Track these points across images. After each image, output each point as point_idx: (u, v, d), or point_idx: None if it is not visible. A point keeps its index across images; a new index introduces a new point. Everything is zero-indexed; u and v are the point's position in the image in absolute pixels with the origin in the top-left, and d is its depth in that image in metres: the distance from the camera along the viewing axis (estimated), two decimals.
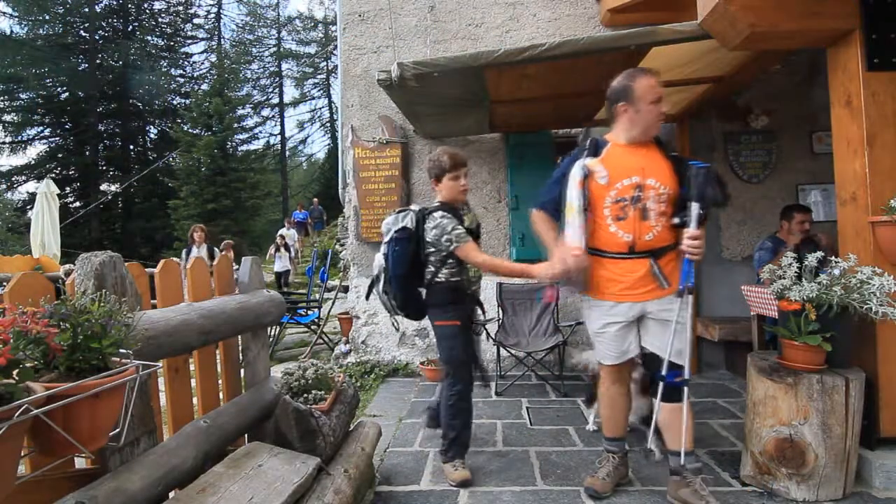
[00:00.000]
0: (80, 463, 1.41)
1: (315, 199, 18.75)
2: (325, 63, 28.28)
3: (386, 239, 2.57)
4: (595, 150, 2.17)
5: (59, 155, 20.98)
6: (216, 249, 6.62)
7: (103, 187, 21.20)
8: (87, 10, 20.86)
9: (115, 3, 22.42)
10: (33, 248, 7.82)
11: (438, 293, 2.51)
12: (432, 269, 2.51)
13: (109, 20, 22.35)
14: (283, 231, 12.73)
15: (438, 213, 2.46)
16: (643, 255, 2.10)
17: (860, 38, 2.34)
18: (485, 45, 4.75)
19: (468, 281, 2.58)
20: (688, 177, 2.04)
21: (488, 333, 3.85)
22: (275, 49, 28.62)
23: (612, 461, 2.35)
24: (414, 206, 2.65)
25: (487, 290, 4.16)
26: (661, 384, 2.11)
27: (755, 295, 3.18)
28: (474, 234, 2.58)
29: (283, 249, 11.41)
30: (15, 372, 0.94)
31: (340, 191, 5.27)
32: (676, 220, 2.10)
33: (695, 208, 2.00)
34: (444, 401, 2.54)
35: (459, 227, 2.43)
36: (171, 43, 24.73)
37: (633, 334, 2.19)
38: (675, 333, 2.06)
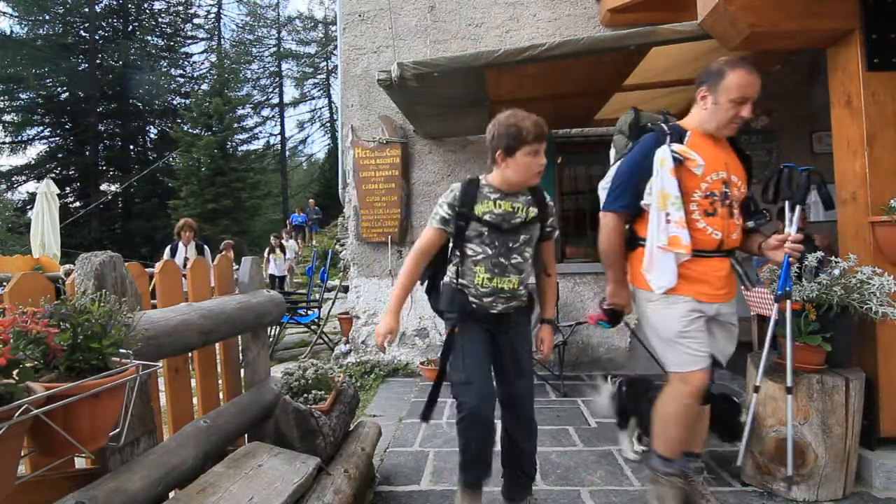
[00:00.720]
0: (80, 463, 1.41)
1: (311, 201, 18.59)
2: (325, 63, 28.33)
3: None
4: (679, 137, 1.93)
5: (59, 155, 21.00)
6: (206, 247, 6.18)
7: (103, 187, 21.22)
8: (87, 10, 20.88)
9: (115, 3, 22.45)
10: (33, 248, 7.81)
11: (442, 290, 2.04)
12: (441, 257, 2.05)
13: (109, 20, 22.39)
14: (283, 241, 12.01)
15: (458, 183, 1.93)
16: (727, 254, 1.99)
17: (860, 38, 2.35)
18: (485, 45, 4.75)
19: (477, 289, 1.89)
20: (784, 179, 2.02)
21: None
22: (275, 49, 28.66)
23: (687, 484, 1.99)
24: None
25: None
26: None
27: (755, 295, 3.18)
28: (498, 226, 1.85)
29: (277, 251, 10.87)
30: (15, 372, 0.94)
31: (340, 191, 5.28)
32: (751, 224, 2.04)
33: (798, 210, 2.02)
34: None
35: (445, 207, 1.89)
36: (171, 43, 24.77)
37: None
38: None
